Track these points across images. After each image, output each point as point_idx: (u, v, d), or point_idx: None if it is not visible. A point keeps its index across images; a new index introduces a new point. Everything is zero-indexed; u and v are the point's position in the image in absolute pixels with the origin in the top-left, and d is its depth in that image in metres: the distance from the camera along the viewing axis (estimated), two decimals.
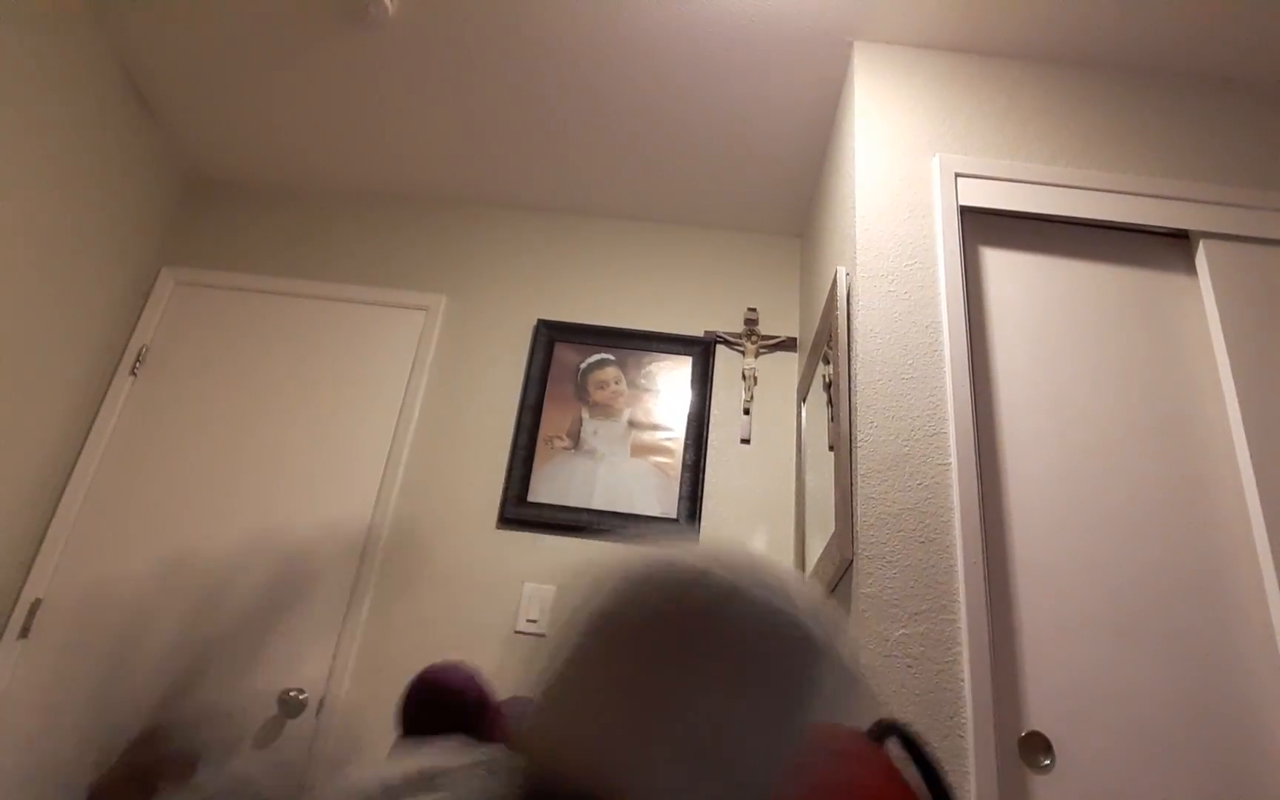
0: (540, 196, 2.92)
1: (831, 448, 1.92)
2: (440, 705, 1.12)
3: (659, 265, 2.88)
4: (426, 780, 0.48)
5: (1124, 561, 1.65)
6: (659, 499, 2.46)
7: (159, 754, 0.49)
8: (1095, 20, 2.11)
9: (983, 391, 1.80)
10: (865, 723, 0.54)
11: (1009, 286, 1.93)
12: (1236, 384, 1.79)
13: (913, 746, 0.55)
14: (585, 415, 2.60)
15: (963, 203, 1.97)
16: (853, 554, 1.65)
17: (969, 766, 1.44)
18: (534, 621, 2.27)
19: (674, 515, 2.43)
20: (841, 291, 1.98)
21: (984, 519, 1.68)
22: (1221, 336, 1.84)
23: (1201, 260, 1.94)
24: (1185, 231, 1.98)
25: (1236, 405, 1.77)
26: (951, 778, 1.44)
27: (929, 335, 1.83)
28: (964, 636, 1.54)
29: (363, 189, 2.99)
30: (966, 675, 1.51)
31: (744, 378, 2.65)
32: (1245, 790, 1.48)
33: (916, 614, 1.56)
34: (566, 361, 2.68)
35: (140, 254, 2.77)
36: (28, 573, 2.37)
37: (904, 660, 1.52)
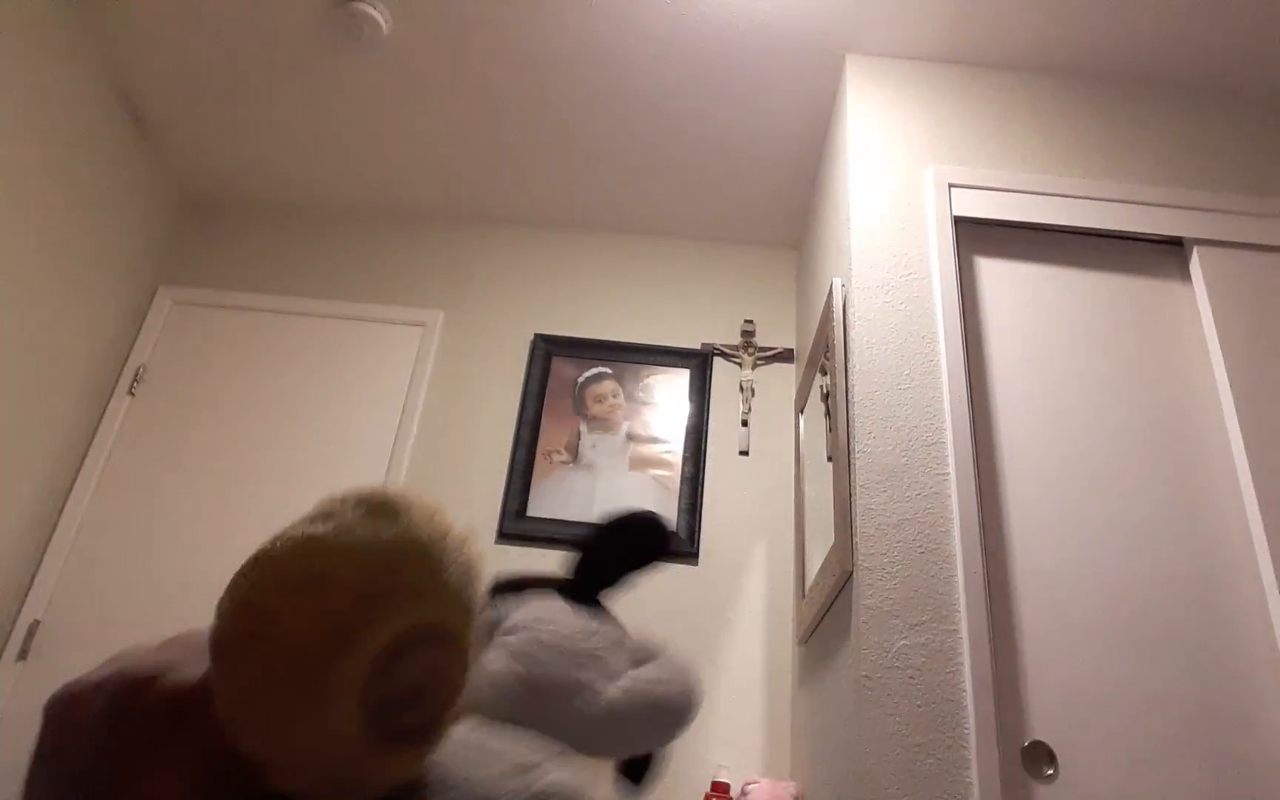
0: (537, 212, 2.93)
1: (830, 459, 1.93)
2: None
3: (655, 278, 2.89)
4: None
5: (1124, 569, 1.65)
6: (658, 512, 2.45)
7: None
8: (1086, 30, 2.12)
9: (980, 401, 1.81)
10: None
11: (1005, 296, 1.94)
12: (1233, 389, 1.79)
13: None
14: (584, 429, 2.60)
15: (957, 213, 1.98)
16: (852, 565, 1.65)
17: (972, 777, 1.44)
18: None
19: (673, 528, 2.43)
20: (838, 302, 1.99)
21: (983, 528, 1.68)
22: (1217, 342, 1.85)
23: (1195, 267, 1.95)
24: (1179, 238, 1.99)
25: (1233, 410, 1.77)
26: (955, 789, 1.43)
27: (925, 345, 1.84)
28: (965, 646, 1.54)
29: (359, 206, 3.00)
30: (968, 685, 1.50)
31: (741, 389, 2.65)
32: (1249, 796, 1.48)
33: (917, 624, 1.56)
34: (564, 376, 2.68)
35: (137, 273, 2.78)
36: (26, 595, 2.36)
37: (905, 671, 1.52)
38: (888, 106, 2.15)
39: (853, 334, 1.87)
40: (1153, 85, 2.21)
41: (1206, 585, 1.65)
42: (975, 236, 2.00)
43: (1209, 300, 1.89)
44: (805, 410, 2.39)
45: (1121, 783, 1.47)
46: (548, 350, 2.72)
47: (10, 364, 2.29)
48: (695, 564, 2.40)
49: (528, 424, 2.59)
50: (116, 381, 2.67)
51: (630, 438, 2.58)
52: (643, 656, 1.10)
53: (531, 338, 2.75)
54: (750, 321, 2.75)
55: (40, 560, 2.41)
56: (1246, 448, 1.73)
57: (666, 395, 2.65)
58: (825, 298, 2.21)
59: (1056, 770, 1.48)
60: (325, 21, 2.29)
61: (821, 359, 2.14)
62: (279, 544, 0.56)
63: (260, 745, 0.50)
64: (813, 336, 2.33)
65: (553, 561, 2.40)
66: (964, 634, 1.55)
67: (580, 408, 2.63)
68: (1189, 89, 2.21)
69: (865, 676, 1.52)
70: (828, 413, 2.01)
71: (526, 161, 2.73)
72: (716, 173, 2.68)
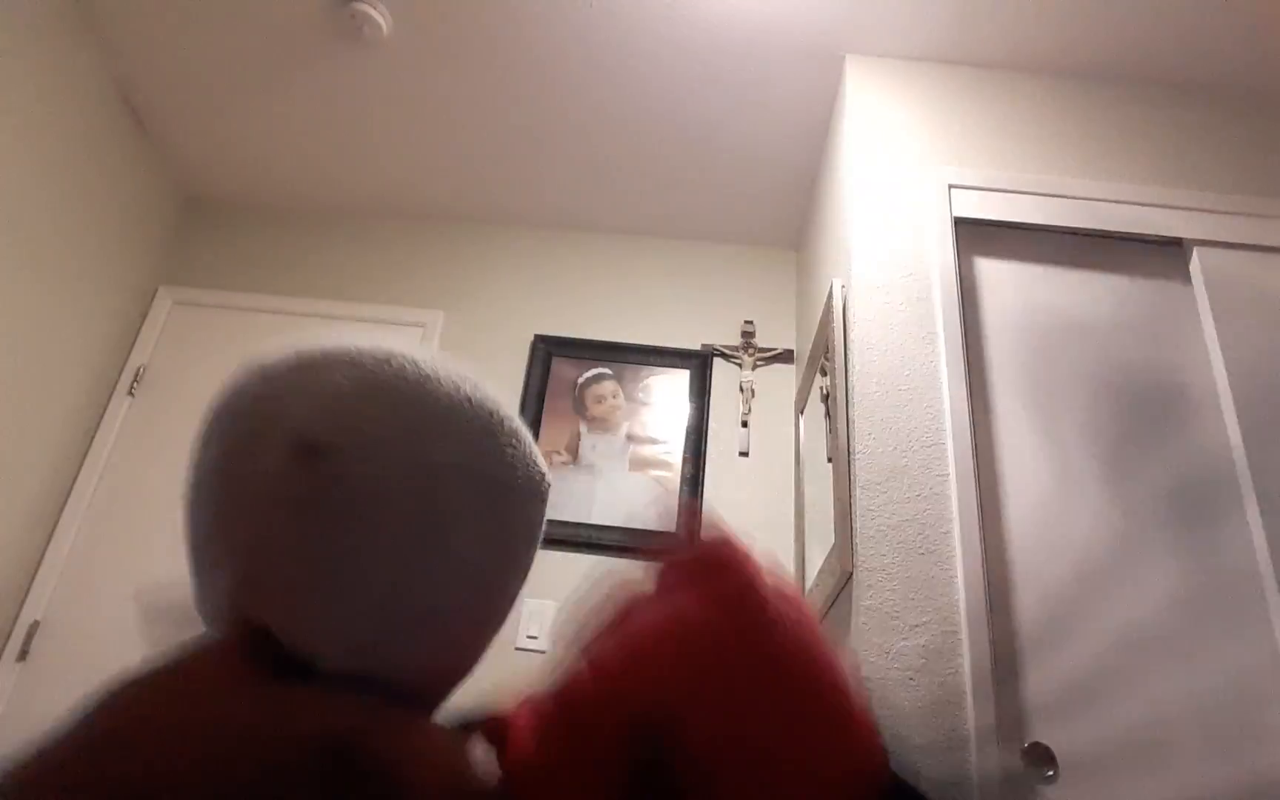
0: (536, 212, 2.93)
1: (830, 460, 1.93)
2: None
3: (655, 279, 2.88)
4: None
5: (1123, 570, 1.65)
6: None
7: None
8: (1087, 31, 2.12)
9: (980, 402, 1.81)
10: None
11: (1004, 296, 1.93)
12: (1233, 389, 1.79)
13: None
14: (583, 430, 2.60)
15: (957, 214, 1.98)
16: (852, 566, 1.65)
17: (972, 777, 1.44)
18: (534, 638, 2.26)
19: (673, 529, 2.42)
20: (837, 303, 1.99)
21: (983, 529, 1.68)
22: (1216, 342, 1.85)
23: (1195, 267, 1.95)
24: (1179, 239, 1.99)
25: (1233, 410, 1.77)
26: (955, 791, 1.43)
27: (925, 346, 1.84)
28: (965, 648, 1.54)
29: (360, 206, 2.99)
30: (968, 687, 1.50)
31: (741, 390, 2.65)
32: (1249, 796, 1.48)
33: (917, 626, 1.56)
34: (564, 376, 2.68)
35: (137, 274, 2.78)
36: (25, 595, 2.36)
37: (905, 673, 1.52)
38: (888, 107, 2.15)
39: (853, 335, 1.87)
40: (1153, 85, 2.21)
41: (1206, 585, 1.65)
42: (975, 237, 2.00)
43: (1209, 300, 1.89)
44: (805, 411, 2.39)
45: (1122, 784, 1.47)
46: (548, 351, 2.72)
47: (10, 365, 2.29)
48: None
49: (527, 424, 2.57)
50: (116, 382, 2.67)
51: (630, 438, 2.58)
52: None
53: (531, 338, 2.75)
54: (750, 322, 2.75)
55: (40, 561, 2.41)
56: (1246, 448, 1.73)
57: (666, 396, 2.65)
58: (825, 298, 2.21)
59: (1056, 772, 1.48)
60: (325, 21, 2.29)
61: (821, 360, 2.14)
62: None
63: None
64: (813, 337, 2.32)
65: (552, 562, 2.39)
66: (964, 635, 1.54)
67: (580, 408, 2.63)
68: (1189, 89, 2.21)
69: (865, 677, 1.52)
70: (828, 414, 2.01)
71: (526, 162, 2.73)
72: (716, 173, 2.68)
